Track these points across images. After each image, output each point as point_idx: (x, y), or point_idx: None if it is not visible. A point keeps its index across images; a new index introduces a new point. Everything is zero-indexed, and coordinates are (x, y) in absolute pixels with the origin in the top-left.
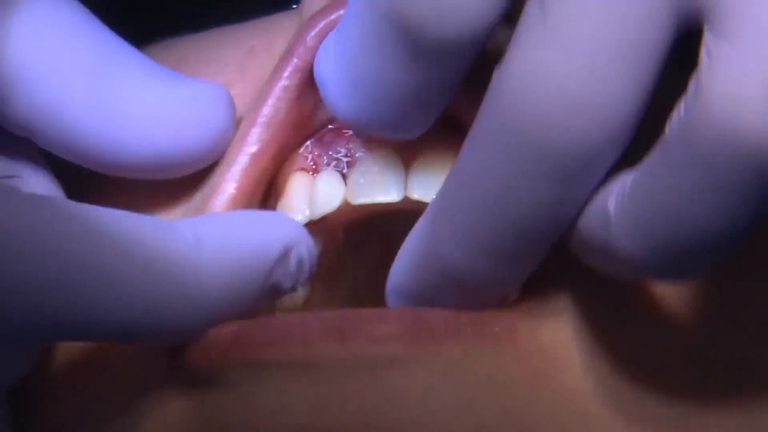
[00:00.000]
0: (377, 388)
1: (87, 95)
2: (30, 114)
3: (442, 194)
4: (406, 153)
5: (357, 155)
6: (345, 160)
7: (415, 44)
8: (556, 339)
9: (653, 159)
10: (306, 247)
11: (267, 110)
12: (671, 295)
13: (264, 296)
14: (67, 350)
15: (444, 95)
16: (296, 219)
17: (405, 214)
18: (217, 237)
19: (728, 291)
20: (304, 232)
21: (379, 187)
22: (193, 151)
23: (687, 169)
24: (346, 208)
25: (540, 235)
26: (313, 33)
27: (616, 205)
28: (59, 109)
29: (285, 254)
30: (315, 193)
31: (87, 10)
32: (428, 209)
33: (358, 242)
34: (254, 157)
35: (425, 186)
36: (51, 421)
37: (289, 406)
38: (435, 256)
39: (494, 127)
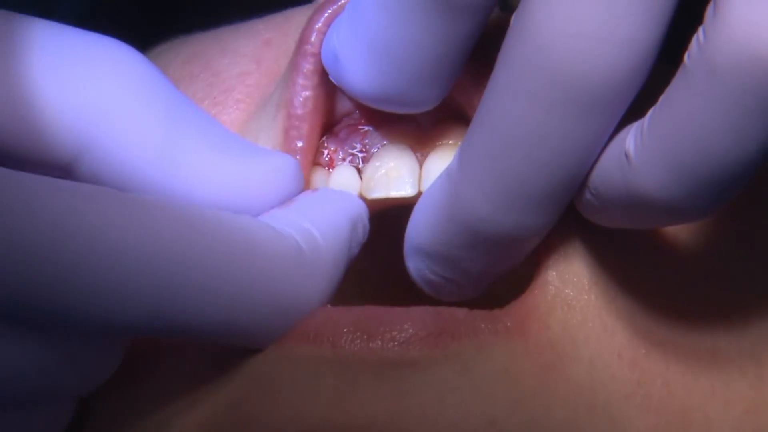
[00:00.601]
0: (399, 387)
1: (158, 166)
2: (100, 174)
3: (465, 145)
4: (420, 148)
5: (372, 151)
6: (360, 155)
7: None
8: (564, 332)
9: (674, 88)
10: (364, 212)
11: (297, 101)
12: (682, 262)
13: (344, 272)
14: None
15: (458, 60)
16: None
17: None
18: (310, 235)
19: (740, 219)
20: (356, 197)
21: (393, 182)
22: None
23: (711, 93)
24: None
25: (567, 175)
26: (323, 18)
27: (636, 141)
28: (129, 175)
29: (354, 227)
30: (330, 186)
31: (159, 71)
32: (450, 164)
33: (372, 236)
34: (302, 150)
35: None
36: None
37: (313, 400)
38: (459, 209)
39: (517, 67)
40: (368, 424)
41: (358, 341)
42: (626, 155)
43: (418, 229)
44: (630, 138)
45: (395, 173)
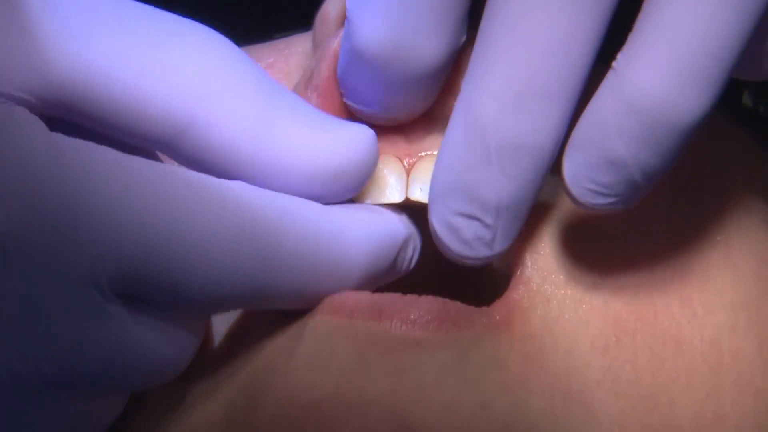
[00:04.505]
0: (401, 365)
1: (253, 139)
2: (201, 149)
3: (474, 54)
4: (408, 158)
5: None
6: None
7: None
8: (543, 325)
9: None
10: (418, 240)
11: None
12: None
13: (388, 275)
14: None
15: (459, 9)
16: None
17: (407, 213)
18: (363, 221)
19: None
20: (414, 228)
21: (382, 189)
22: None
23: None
24: None
25: (565, 72)
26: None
27: (622, 57)
28: (228, 149)
29: (406, 242)
30: None
31: (246, 55)
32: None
33: None
34: None
35: (424, 189)
36: None
37: (326, 372)
38: (469, 116)
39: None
40: (373, 399)
41: (371, 318)
42: (613, 68)
43: (440, 163)
44: (618, 60)
45: (384, 181)
